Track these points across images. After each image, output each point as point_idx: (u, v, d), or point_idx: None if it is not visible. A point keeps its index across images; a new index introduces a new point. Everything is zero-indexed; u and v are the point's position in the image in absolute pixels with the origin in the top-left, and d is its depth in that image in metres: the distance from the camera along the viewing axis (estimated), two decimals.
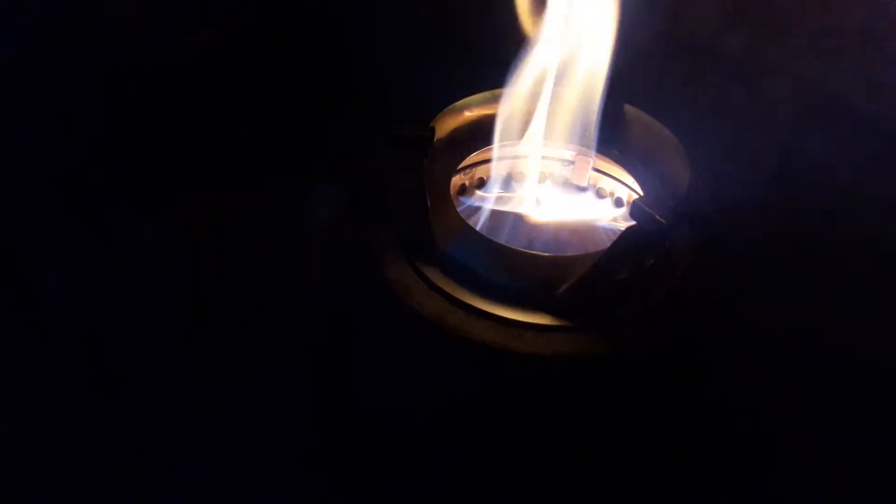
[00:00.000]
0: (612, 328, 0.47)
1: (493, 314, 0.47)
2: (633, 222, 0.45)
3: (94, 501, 0.56)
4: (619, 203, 0.60)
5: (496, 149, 0.58)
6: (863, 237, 0.66)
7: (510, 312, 0.47)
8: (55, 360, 0.64)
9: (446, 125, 0.56)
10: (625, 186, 0.59)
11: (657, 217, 0.43)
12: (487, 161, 0.60)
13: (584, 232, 0.57)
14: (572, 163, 0.61)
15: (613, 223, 0.58)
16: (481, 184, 0.61)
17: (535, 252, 0.48)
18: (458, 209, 0.57)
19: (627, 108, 0.57)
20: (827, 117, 0.68)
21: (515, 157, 0.60)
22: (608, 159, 0.59)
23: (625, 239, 0.45)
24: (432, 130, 0.51)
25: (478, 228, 0.56)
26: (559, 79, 0.55)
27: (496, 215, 0.57)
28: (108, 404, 0.61)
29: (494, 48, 0.53)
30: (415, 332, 0.48)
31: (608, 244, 0.55)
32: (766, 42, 0.68)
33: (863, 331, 0.64)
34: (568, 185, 0.61)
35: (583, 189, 0.61)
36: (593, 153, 0.59)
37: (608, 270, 0.46)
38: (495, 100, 0.58)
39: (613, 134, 0.58)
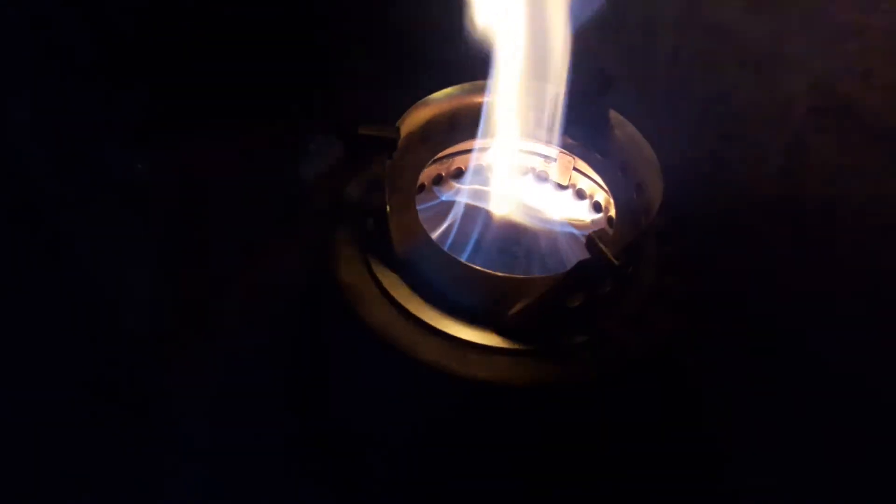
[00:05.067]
0: (558, 354, 0.46)
1: (439, 330, 0.47)
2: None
3: None
4: (597, 207, 0.58)
5: (475, 142, 0.56)
6: (834, 256, 0.64)
7: (458, 329, 0.47)
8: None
9: (418, 118, 0.54)
10: (604, 191, 0.57)
11: (610, 257, 0.42)
12: (467, 151, 0.58)
13: (554, 238, 0.56)
14: (554, 160, 0.59)
15: (584, 228, 0.56)
16: (459, 174, 0.59)
17: (489, 271, 0.47)
18: (427, 205, 0.56)
19: (614, 114, 0.54)
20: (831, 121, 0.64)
21: (494, 151, 0.58)
22: (588, 163, 0.56)
23: (577, 270, 0.44)
24: (398, 131, 0.50)
25: (444, 228, 0.55)
26: (534, 73, 0.52)
27: (466, 216, 0.56)
28: (101, 404, 0.60)
29: (467, 44, 0.50)
30: (362, 339, 0.48)
31: (573, 258, 0.53)
32: (781, 40, 0.64)
33: (834, 352, 0.62)
34: (547, 182, 0.59)
35: (563, 188, 0.59)
36: (575, 153, 0.57)
37: (559, 298, 0.45)
38: (473, 91, 0.55)
39: (598, 138, 0.56)
